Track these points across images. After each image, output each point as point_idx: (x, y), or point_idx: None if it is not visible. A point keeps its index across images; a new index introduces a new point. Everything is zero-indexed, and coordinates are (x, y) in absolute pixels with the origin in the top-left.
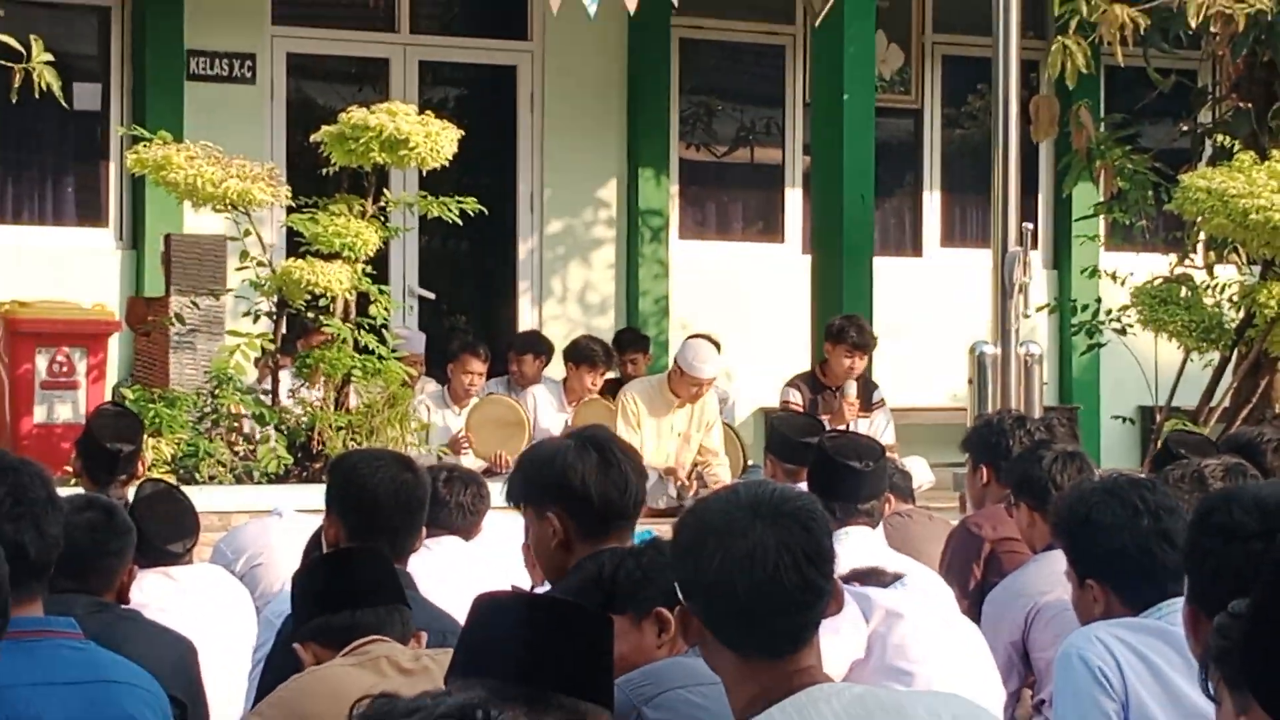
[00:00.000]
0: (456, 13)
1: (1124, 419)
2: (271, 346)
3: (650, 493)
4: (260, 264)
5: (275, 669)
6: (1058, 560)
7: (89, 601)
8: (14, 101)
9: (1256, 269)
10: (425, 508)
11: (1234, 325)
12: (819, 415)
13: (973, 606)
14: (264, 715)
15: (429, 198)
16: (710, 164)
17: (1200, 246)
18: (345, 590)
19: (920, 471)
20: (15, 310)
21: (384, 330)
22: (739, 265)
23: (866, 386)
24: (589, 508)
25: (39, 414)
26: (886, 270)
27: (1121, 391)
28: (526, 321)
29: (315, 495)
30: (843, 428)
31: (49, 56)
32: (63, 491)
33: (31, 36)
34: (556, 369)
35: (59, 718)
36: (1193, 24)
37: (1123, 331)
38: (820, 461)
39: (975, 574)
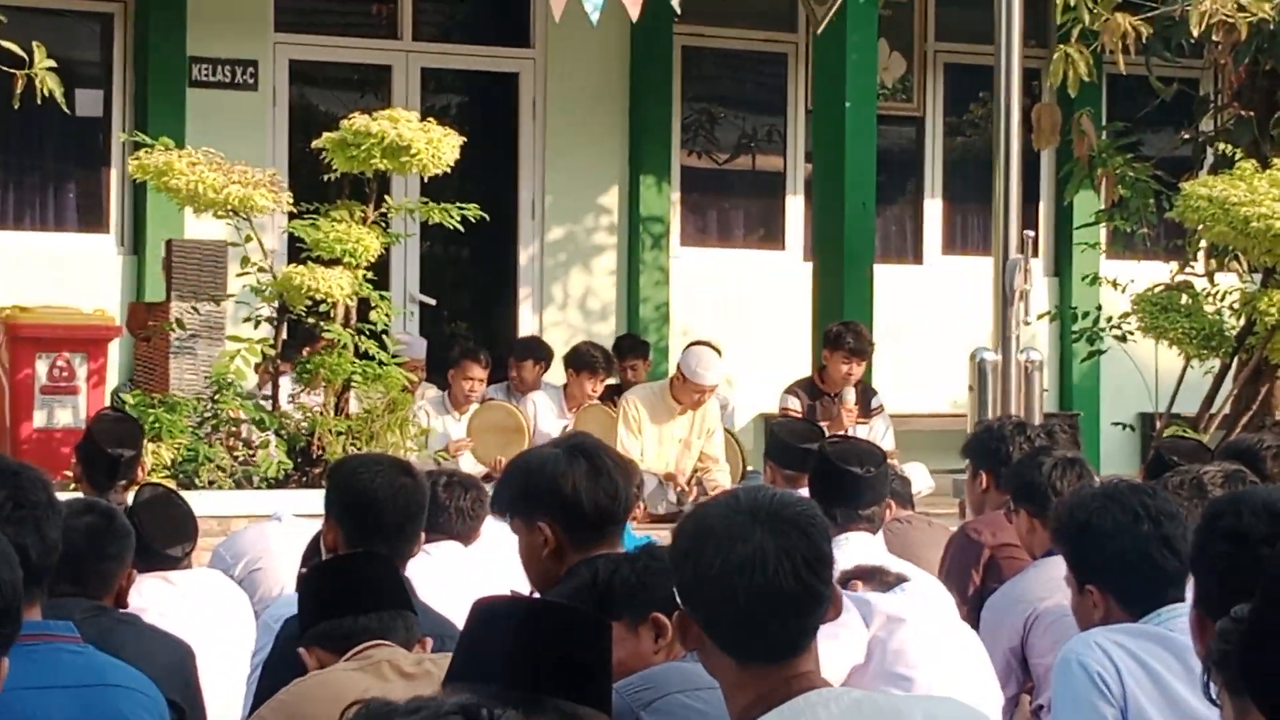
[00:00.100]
0: (459, 20)
1: (1124, 426)
2: (272, 352)
3: (650, 498)
4: (261, 269)
5: (273, 673)
6: (1057, 566)
7: (87, 605)
8: (16, 107)
9: (1257, 276)
10: (424, 512)
11: (1234, 332)
12: (818, 421)
13: (972, 612)
14: (264, 719)
15: (430, 204)
16: (711, 171)
17: (1201, 254)
18: (349, 595)
19: (920, 477)
20: (16, 315)
21: (384, 336)
22: (740, 272)
23: (865, 393)
24: (580, 515)
25: (39, 419)
26: (887, 277)
27: (1122, 398)
28: (527, 328)
29: (314, 500)
30: (842, 434)
31: (51, 62)
32: (63, 496)
33: (34, 43)
34: (557, 375)
35: None
36: (1195, 33)
37: (1123, 338)
38: (821, 467)
39: (974, 580)
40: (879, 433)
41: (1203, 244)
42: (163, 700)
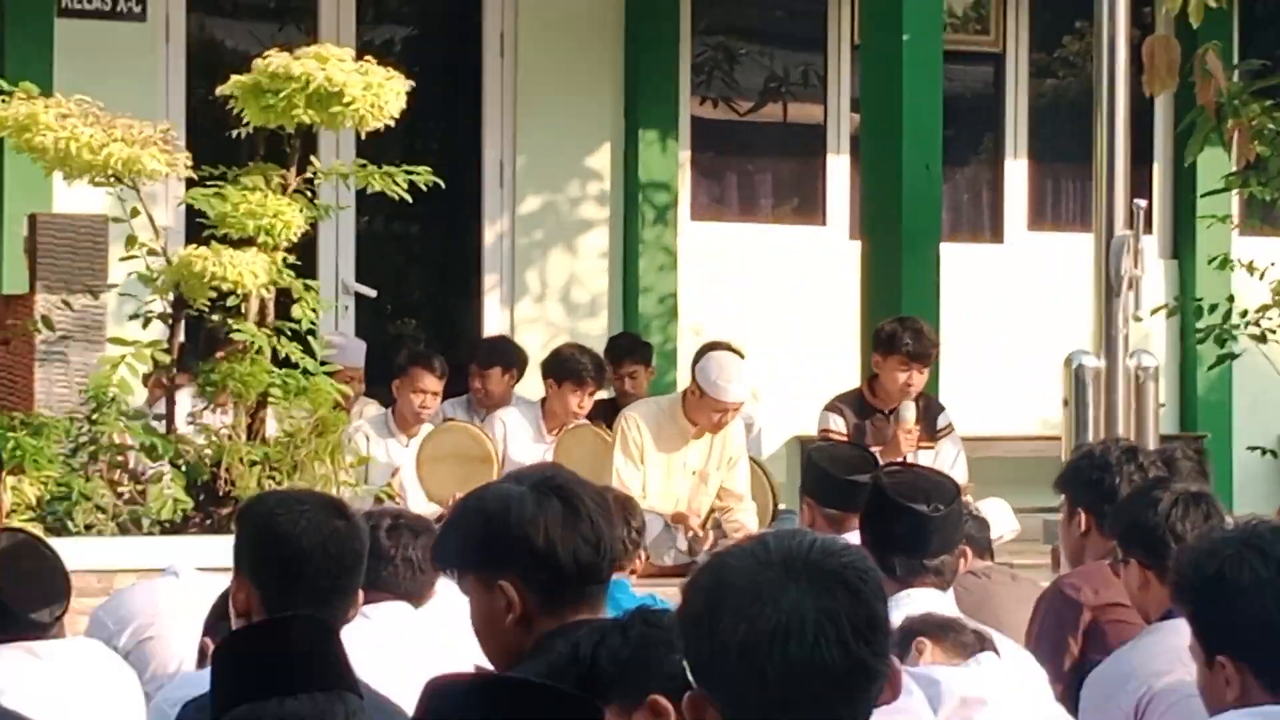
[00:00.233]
0: None
1: (1263, 450)
2: (166, 358)
3: (654, 545)
4: (152, 252)
5: None
6: (1178, 632)
7: None
8: None
9: None
10: (362, 564)
11: None
12: (868, 446)
13: (1069, 690)
14: None
15: (369, 167)
16: (731, 124)
17: None
18: (275, 672)
19: (1001, 519)
20: None
21: (311, 337)
22: (767, 254)
23: (929, 409)
24: (555, 572)
25: None
26: (958, 260)
27: (1260, 415)
28: (494, 326)
29: (221, 549)
30: (901, 461)
31: None
32: None
33: None
34: (532, 387)
35: None
36: None
37: (1262, 339)
38: (876, 504)
39: (1072, 649)
40: (948, 460)
41: None
42: None
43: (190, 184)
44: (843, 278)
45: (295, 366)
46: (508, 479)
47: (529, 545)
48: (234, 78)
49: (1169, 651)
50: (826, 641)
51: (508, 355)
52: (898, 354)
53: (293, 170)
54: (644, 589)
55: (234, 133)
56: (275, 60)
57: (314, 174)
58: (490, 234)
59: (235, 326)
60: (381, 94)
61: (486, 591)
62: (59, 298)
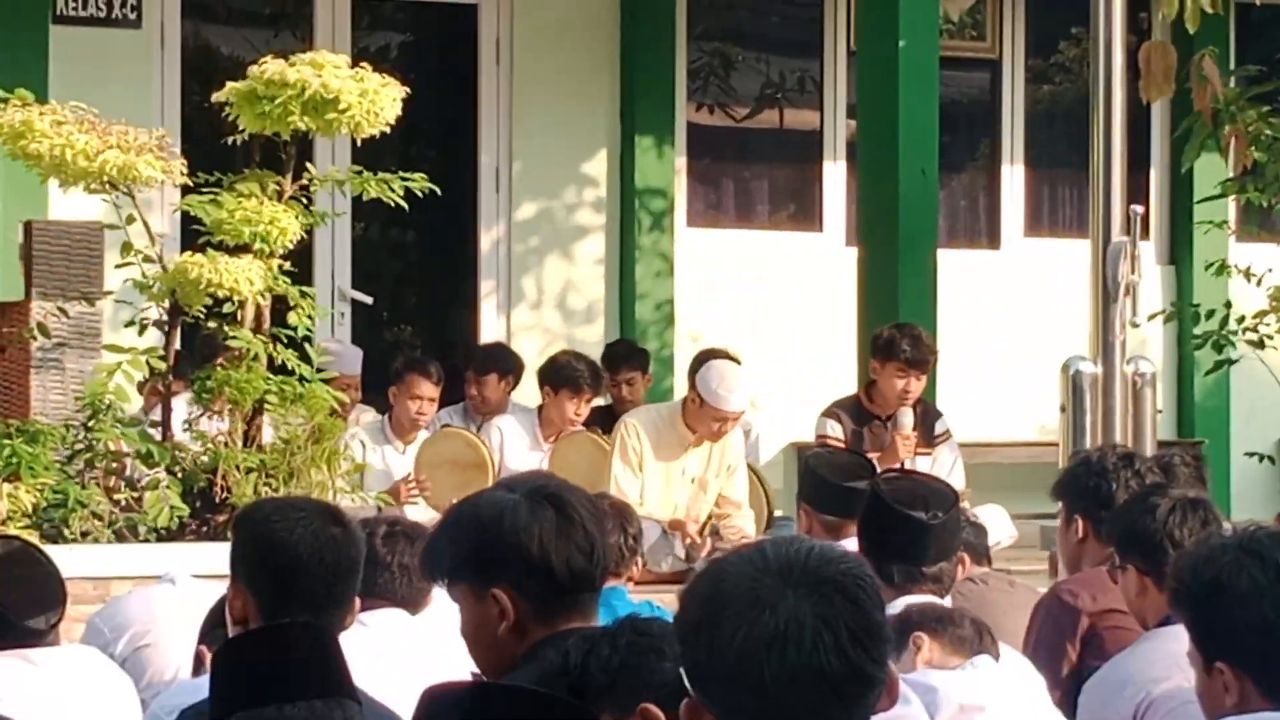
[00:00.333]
0: None
1: (1261, 457)
2: (162, 365)
3: (651, 552)
4: (147, 259)
5: None
6: (1176, 638)
7: None
8: None
9: None
10: (359, 572)
11: None
12: (866, 452)
13: (1066, 696)
14: None
15: (365, 174)
16: (727, 130)
17: None
18: (273, 679)
19: (999, 525)
20: None
21: (307, 344)
22: (764, 260)
23: (927, 415)
24: (549, 580)
25: None
26: (955, 266)
27: (1257, 421)
28: (490, 333)
29: (218, 557)
30: (899, 468)
31: None
32: None
33: None
34: (529, 393)
35: None
36: None
37: (1259, 344)
38: (875, 511)
39: (1070, 655)
40: (945, 466)
41: None
42: None
43: (186, 191)
44: (839, 284)
45: (291, 373)
46: (499, 487)
47: (523, 553)
48: (229, 84)
49: (1167, 658)
50: (824, 648)
51: (504, 362)
52: (896, 360)
53: (288, 177)
54: (641, 595)
55: (229, 139)
56: (271, 67)
57: (310, 181)
58: (486, 240)
59: (231, 333)
60: (377, 100)
61: (479, 600)
62: (54, 305)
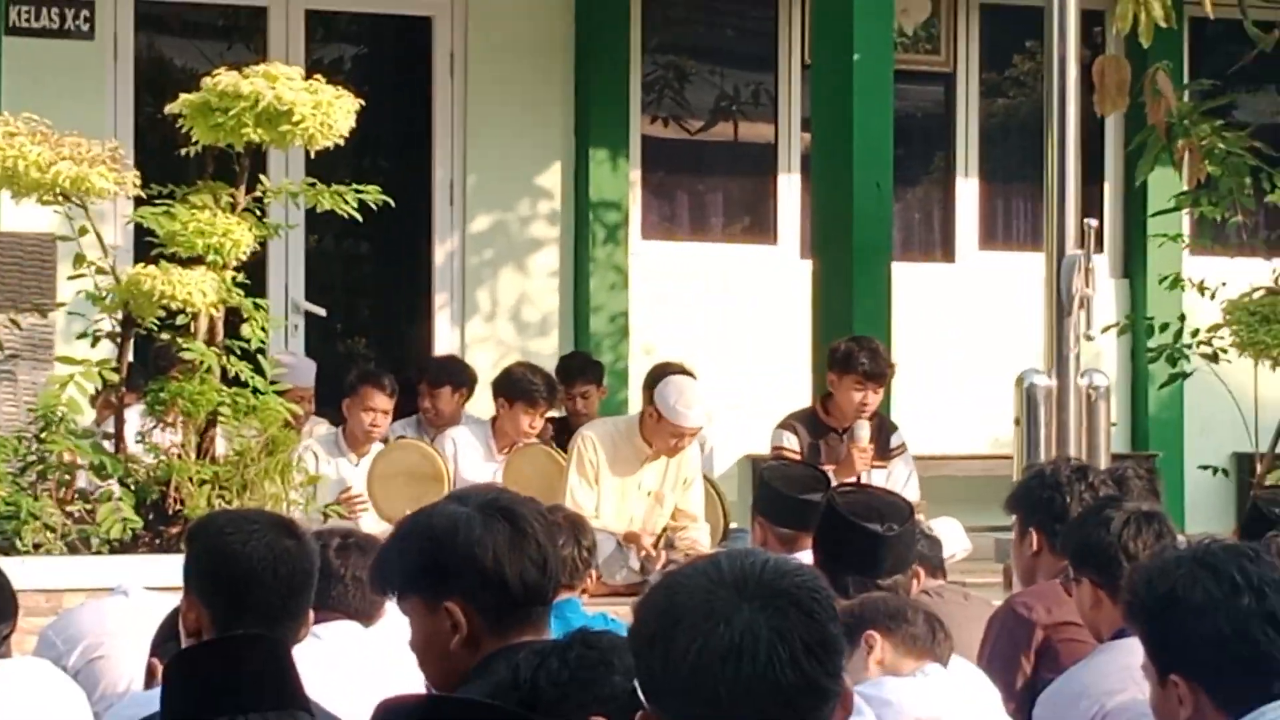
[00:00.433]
0: None
1: (1215, 469)
2: (115, 377)
3: (605, 564)
4: (100, 270)
5: None
6: (1130, 651)
7: None
8: None
9: None
10: (313, 584)
11: None
12: (821, 465)
13: (1021, 708)
14: None
15: (318, 186)
16: (682, 143)
17: None
18: (226, 691)
19: (953, 537)
20: None
21: (260, 356)
22: (719, 273)
23: (882, 428)
24: (502, 593)
25: None
26: (909, 279)
27: (1211, 434)
28: (445, 345)
29: (171, 569)
30: (854, 481)
31: None
32: None
33: None
34: (482, 405)
35: None
36: None
37: (1213, 358)
38: (830, 524)
39: (1024, 668)
40: (900, 479)
41: None
42: None
43: (139, 202)
44: (794, 297)
45: (245, 385)
46: (451, 500)
47: (476, 566)
48: (183, 96)
49: (1121, 670)
50: (779, 661)
51: (458, 374)
52: (853, 373)
53: (242, 189)
54: (595, 608)
55: (183, 151)
56: (224, 79)
57: (263, 193)
58: (440, 253)
59: (184, 345)
60: (331, 113)
61: (431, 613)
62: (7, 316)
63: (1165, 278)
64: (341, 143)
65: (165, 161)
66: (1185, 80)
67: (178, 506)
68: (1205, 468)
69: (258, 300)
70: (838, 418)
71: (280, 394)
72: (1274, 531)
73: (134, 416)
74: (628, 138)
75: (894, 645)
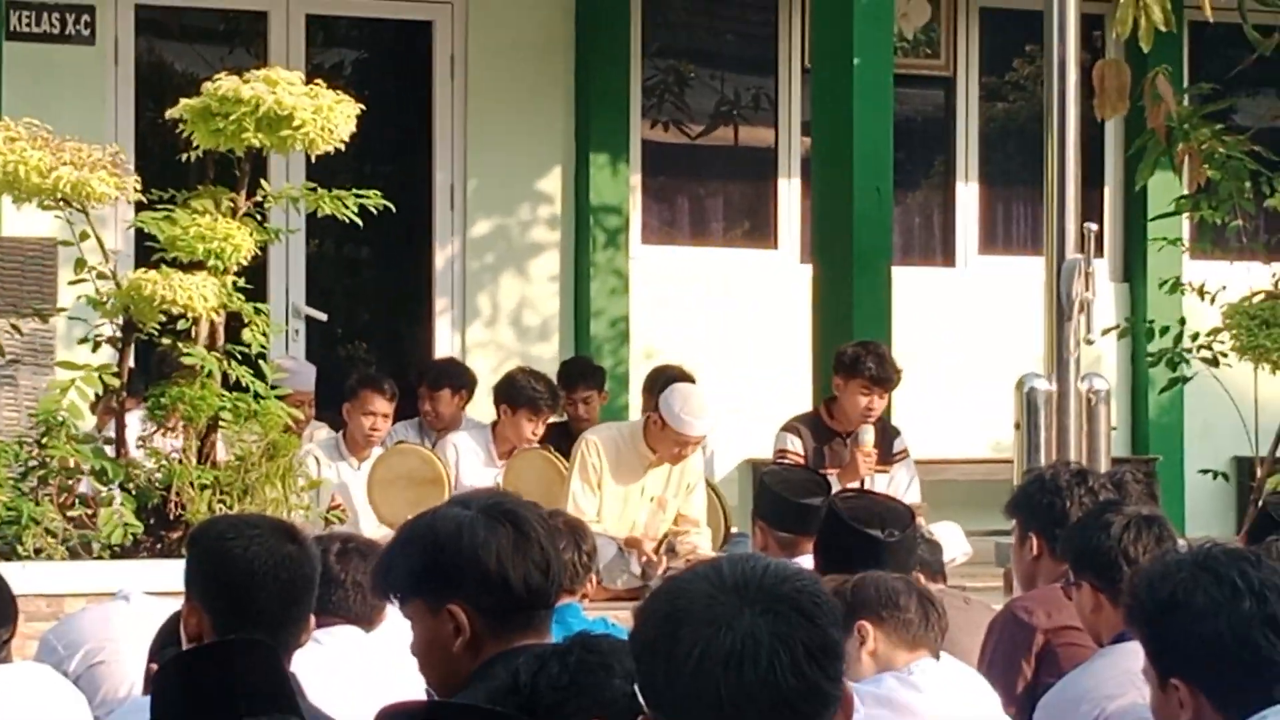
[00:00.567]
0: None
1: (1215, 473)
2: (116, 382)
3: (606, 569)
4: (101, 276)
5: None
6: (1131, 655)
7: None
8: None
9: None
10: (314, 589)
11: None
12: (826, 468)
13: (1022, 713)
14: None
15: (319, 191)
16: (682, 147)
17: None
18: (217, 695)
19: (953, 542)
20: None
21: (261, 361)
22: (719, 277)
23: (885, 433)
24: (506, 596)
25: None
26: (909, 283)
27: (1212, 438)
28: (445, 349)
29: (172, 574)
30: (856, 485)
31: None
32: None
33: None
34: (482, 409)
35: None
36: None
37: (1213, 362)
38: (832, 529)
39: (1025, 672)
40: (901, 485)
41: None
42: None
43: (140, 207)
44: (794, 301)
45: (246, 390)
46: (454, 504)
47: (480, 569)
48: (183, 101)
49: (1122, 674)
50: (781, 666)
51: (457, 377)
52: (860, 378)
53: (242, 194)
54: (596, 613)
55: (183, 156)
56: (225, 83)
57: (264, 197)
58: (441, 257)
59: (185, 350)
60: (331, 117)
61: (433, 616)
62: (8, 321)
63: (1165, 282)
64: (342, 147)
65: (166, 166)
66: (1185, 84)
67: (179, 511)
68: (1205, 472)
69: (258, 305)
70: (842, 421)
71: (280, 398)
72: (1274, 536)
73: (135, 421)
74: (628, 142)
75: (886, 635)
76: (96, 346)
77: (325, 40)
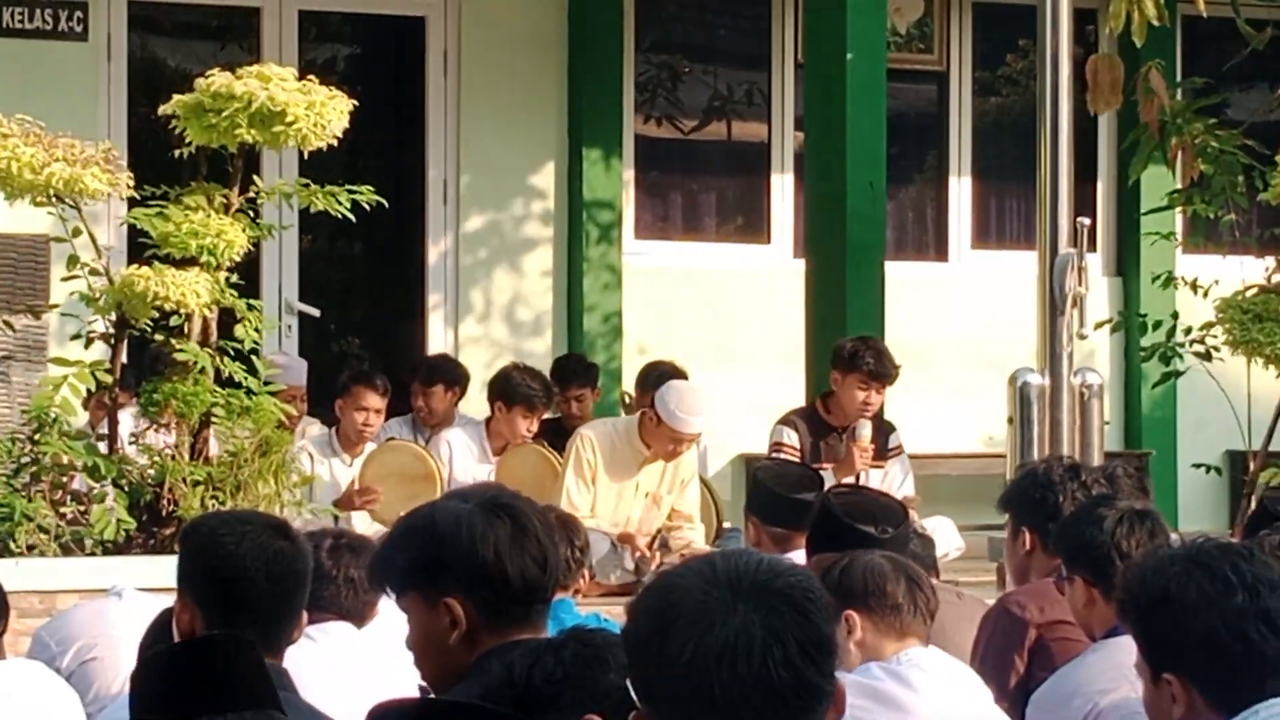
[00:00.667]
0: None
1: (1208, 468)
2: (109, 378)
3: (600, 565)
4: (94, 272)
5: None
6: (1124, 650)
7: None
8: None
9: None
10: (306, 585)
11: None
12: (821, 462)
13: (1014, 707)
14: None
15: (312, 186)
16: (675, 143)
17: None
18: (199, 689)
19: (946, 537)
20: None
21: (254, 357)
22: (712, 272)
23: (880, 428)
24: (503, 590)
25: None
26: (902, 278)
27: (1204, 432)
28: (438, 345)
29: (165, 570)
30: (851, 481)
31: None
32: None
33: None
34: (475, 405)
35: None
36: None
37: (1206, 356)
38: (825, 525)
39: (1018, 667)
40: (895, 480)
41: None
42: None
43: (132, 203)
44: (787, 296)
45: (238, 386)
46: (452, 497)
47: (478, 562)
48: (176, 97)
49: (1114, 669)
50: (774, 661)
51: (450, 373)
52: (858, 373)
53: (235, 189)
54: (589, 608)
55: (176, 152)
56: (217, 79)
57: (257, 193)
58: (434, 253)
59: (178, 346)
60: (324, 113)
61: (429, 609)
62: (0, 318)
63: (1158, 276)
64: (335, 143)
65: (159, 162)
66: (1178, 78)
67: (171, 508)
68: (1198, 466)
69: (251, 301)
70: (839, 416)
71: (273, 394)
72: (1268, 530)
73: (128, 418)
74: (621, 137)
75: (874, 624)
76: (89, 343)
77: (318, 36)
